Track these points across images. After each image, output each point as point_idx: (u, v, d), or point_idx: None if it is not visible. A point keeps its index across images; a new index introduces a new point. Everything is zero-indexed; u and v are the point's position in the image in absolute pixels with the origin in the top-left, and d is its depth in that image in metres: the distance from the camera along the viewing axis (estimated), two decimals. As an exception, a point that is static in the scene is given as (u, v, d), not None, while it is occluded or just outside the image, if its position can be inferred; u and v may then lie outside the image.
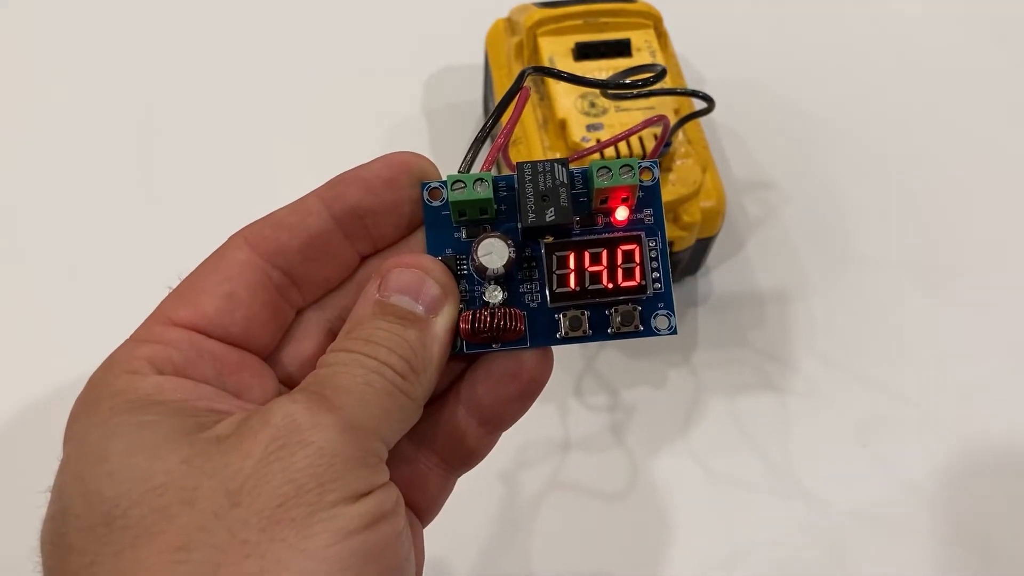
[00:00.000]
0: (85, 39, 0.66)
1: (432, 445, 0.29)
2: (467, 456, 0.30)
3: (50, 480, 0.24)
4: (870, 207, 0.60)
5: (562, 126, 0.50)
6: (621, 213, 0.28)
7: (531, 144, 0.51)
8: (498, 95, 0.55)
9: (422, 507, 0.29)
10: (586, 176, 0.28)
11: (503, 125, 0.30)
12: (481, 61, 0.59)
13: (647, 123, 0.34)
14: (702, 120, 0.54)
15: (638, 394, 0.53)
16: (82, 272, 0.56)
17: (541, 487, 0.50)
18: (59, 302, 0.55)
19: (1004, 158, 0.62)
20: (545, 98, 0.52)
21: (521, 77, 0.29)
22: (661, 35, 0.55)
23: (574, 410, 0.52)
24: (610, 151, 0.48)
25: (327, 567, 0.22)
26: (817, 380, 0.53)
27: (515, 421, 0.29)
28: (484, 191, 0.27)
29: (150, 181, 0.60)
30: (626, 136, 0.32)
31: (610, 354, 0.54)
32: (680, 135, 0.51)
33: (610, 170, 0.27)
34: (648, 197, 0.29)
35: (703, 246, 0.54)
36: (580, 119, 0.50)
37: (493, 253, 0.27)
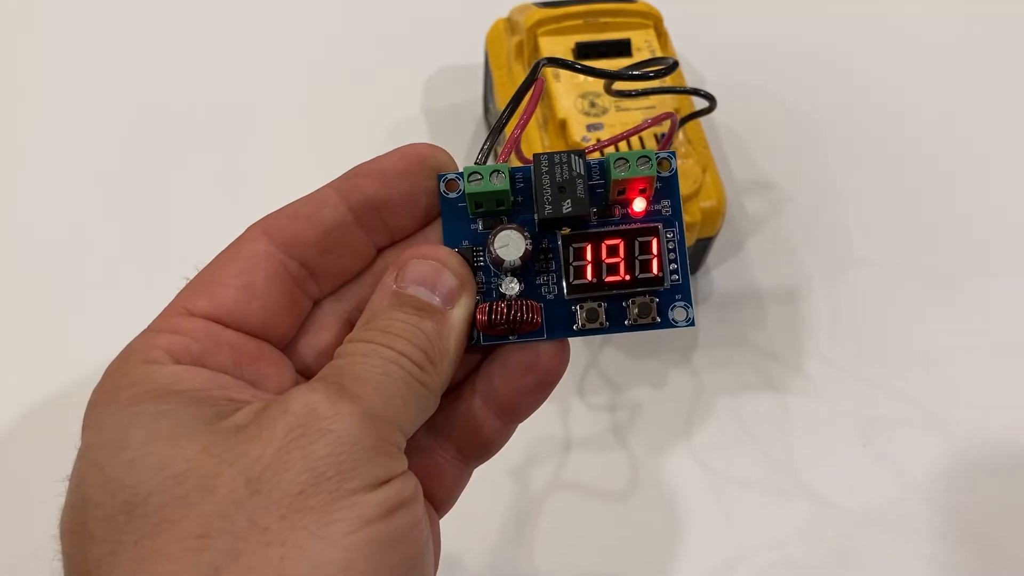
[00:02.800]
0: (98, 36, 0.66)
1: (448, 436, 0.29)
2: (483, 448, 0.30)
3: (67, 469, 0.24)
4: (870, 207, 0.60)
5: (562, 126, 0.51)
6: (638, 204, 0.28)
7: (531, 144, 0.51)
8: (498, 95, 0.55)
9: (438, 498, 0.29)
10: (603, 167, 0.28)
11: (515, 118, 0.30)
12: (481, 61, 0.59)
13: (656, 120, 0.34)
14: (702, 120, 0.54)
15: (639, 394, 0.53)
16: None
17: (543, 486, 0.50)
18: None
19: (1005, 158, 0.63)
20: (545, 98, 0.52)
21: (536, 68, 0.29)
22: (661, 35, 0.55)
23: (576, 410, 0.52)
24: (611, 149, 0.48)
25: (347, 555, 0.22)
26: (818, 380, 0.53)
27: (531, 413, 0.29)
28: (501, 183, 0.27)
29: (162, 179, 0.60)
30: (631, 134, 0.32)
31: (612, 353, 0.54)
32: (680, 135, 0.51)
33: (627, 161, 0.27)
34: (666, 188, 0.29)
35: (703, 246, 0.54)
36: (580, 119, 0.50)
37: (510, 245, 0.27)
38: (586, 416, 0.52)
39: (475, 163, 0.28)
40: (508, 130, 0.29)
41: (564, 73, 0.52)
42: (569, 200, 0.27)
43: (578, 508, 0.50)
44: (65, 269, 0.56)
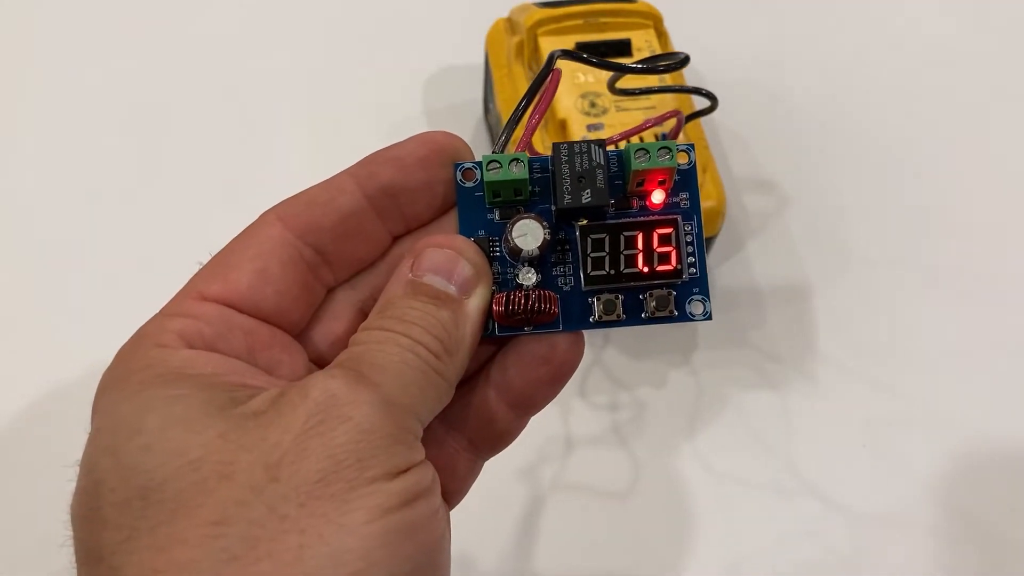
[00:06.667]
0: (101, 36, 0.66)
1: (461, 428, 0.29)
2: (496, 440, 0.29)
3: (75, 455, 0.24)
4: (871, 206, 0.60)
5: (562, 126, 0.51)
6: (657, 196, 0.28)
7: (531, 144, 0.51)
8: (498, 95, 0.55)
9: (450, 490, 0.29)
10: (621, 158, 0.28)
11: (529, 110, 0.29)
12: (481, 61, 0.59)
13: (660, 119, 0.34)
14: (702, 120, 0.54)
15: (640, 394, 0.53)
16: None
17: (545, 487, 0.50)
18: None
19: (1006, 157, 0.63)
20: (546, 97, 0.52)
21: (551, 59, 0.29)
22: (661, 35, 0.55)
23: (578, 410, 0.52)
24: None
25: (366, 543, 0.22)
26: (818, 380, 0.54)
27: (545, 405, 0.29)
28: (520, 171, 0.27)
29: (165, 175, 0.60)
30: (632, 133, 0.32)
31: (613, 354, 0.54)
32: (681, 135, 0.51)
33: (648, 152, 0.27)
34: (684, 180, 0.28)
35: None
36: (580, 119, 0.50)
37: (528, 234, 0.27)
38: (588, 416, 0.52)
39: (493, 152, 0.28)
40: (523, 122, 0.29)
41: (565, 73, 0.52)
42: (589, 190, 0.27)
43: (580, 508, 0.50)
44: (70, 255, 0.56)
